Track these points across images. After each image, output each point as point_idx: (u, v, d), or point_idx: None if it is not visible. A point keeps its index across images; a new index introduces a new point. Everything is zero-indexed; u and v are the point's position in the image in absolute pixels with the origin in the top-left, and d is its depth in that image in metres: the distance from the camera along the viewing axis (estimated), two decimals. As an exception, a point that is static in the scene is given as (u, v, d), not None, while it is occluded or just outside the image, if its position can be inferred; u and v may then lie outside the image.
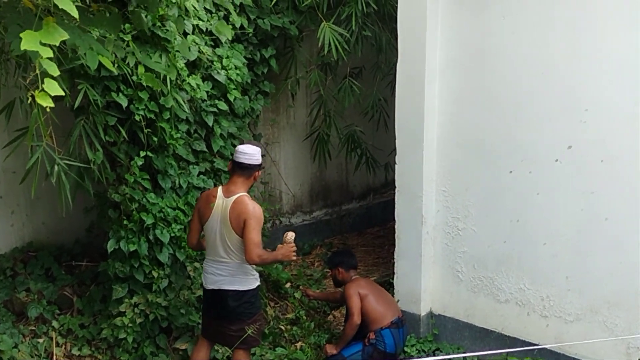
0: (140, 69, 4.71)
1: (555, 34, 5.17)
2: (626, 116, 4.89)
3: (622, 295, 5.07)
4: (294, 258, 5.02)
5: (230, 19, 6.18)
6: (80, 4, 4.20)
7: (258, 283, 5.08)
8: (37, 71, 2.57)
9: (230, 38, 5.98)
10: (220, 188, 5.01)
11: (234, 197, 4.85)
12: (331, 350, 5.84)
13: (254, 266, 5.00)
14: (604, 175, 5.07)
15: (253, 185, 5.20)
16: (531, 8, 5.27)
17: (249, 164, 4.90)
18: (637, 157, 4.87)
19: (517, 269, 5.65)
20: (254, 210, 4.79)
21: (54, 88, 2.04)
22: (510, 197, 5.61)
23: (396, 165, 6.16)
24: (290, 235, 4.99)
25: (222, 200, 4.90)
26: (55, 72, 2.08)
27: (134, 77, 5.01)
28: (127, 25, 4.92)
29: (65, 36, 2.16)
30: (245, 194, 4.90)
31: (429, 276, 6.19)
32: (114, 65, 4.79)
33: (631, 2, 4.76)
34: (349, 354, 5.78)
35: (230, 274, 4.93)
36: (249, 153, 4.90)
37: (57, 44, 2.16)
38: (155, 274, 5.57)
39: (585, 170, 5.16)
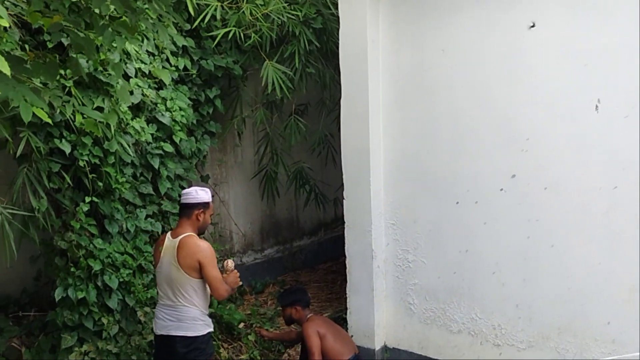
0: (78, 117, 4.67)
1: (492, 65, 5.29)
2: (565, 143, 5.00)
3: (570, 320, 5.14)
4: (240, 283, 5.10)
5: (173, 61, 6.18)
6: (18, 53, 4.18)
7: (210, 329, 5.02)
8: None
9: (168, 82, 5.96)
10: (169, 232, 5.03)
11: (180, 237, 4.85)
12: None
13: (204, 312, 4.96)
14: (547, 203, 5.16)
15: (206, 227, 5.14)
16: (468, 41, 5.38)
17: (187, 203, 4.94)
18: (578, 183, 4.98)
19: (468, 298, 5.69)
20: (205, 248, 4.81)
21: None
22: (457, 228, 5.67)
23: (344, 201, 6.19)
24: (231, 263, 5.09)
25: (169, 242, 4.91)
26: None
27: (77, 123, 4.97)
28: (68, 70, 4.90)
29: (-5, 92, 2.15)
30: (192, 233, 4.88)
31: (381, 310, 6.20)
32: (55, 113, 4.78)
33: (564, 33, 4.90)
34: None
35: (178, 319, 4.87)
36: (186, 192, 4.98)
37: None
38: (104, 321, 5.47)
39: (530, 198, 5.25)
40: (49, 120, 3.12)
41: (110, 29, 3.33)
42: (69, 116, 4.58)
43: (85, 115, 4.60)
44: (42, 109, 3.03)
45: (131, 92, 5.55)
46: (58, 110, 4.70)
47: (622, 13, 4.65)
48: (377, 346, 6.20)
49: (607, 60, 4.76)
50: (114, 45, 3.49)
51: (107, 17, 3.55)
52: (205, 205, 5.00)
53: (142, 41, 5.80)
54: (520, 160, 5.24)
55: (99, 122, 4.81)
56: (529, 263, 5.31)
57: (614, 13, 4.69)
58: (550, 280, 5.22)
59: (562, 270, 5.15)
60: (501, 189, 5.37)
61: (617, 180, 4.81)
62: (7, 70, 2.10)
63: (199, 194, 4.96)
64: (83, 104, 5.03)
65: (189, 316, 4.87)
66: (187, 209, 4.94)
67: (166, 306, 4.92)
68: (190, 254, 4.77)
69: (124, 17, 3.60)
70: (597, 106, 4.81)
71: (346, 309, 6.41)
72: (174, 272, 4.82)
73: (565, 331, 5.17)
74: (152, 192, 5.97)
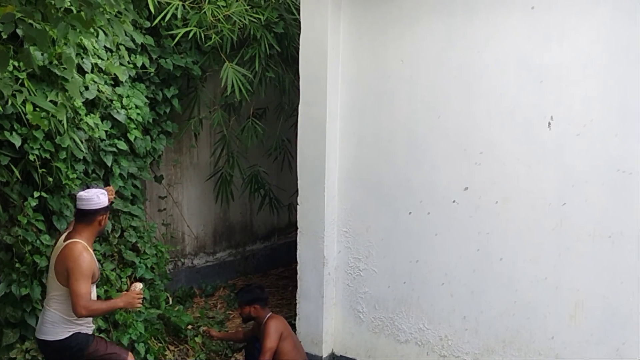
0: (29, 107, 4.57)
1: (450, 78, 5.33)
2: (517, 158, 5.06)
3: (516, 334, 5.19)
4: (139, 306, 4.80)
5: (131, 59, 6.12)
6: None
7: (76, 330, 4.74)
8: None
9: (123, 79, 5.89)
10: (65, 233, 4.80)
11: (67, 242, 4.64)
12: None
13: (69, 318, 4.70)
14: (498, 216, 5.22)
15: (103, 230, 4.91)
16: (427, 52, 5.42)
17: (89, 210, 4.67)
18: (529, 198, 5.04)
19: (417, 309, 5.72)
20: (77, 258, 4.53)
21: None
22: (409, 238, 5.69)
23: (298, 206, 6.17)
24: (139, 286, 4.83)
25: (59, 244, 4.71)
26: None
27: (28, 113, 4.88)
28: (22, 63, 4.81)
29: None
30: (78, 240, 4.63)
31: (330, 317, 6.19)
32: (7, 105, 4.69)
33: (521, 49, 4.96)
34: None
35: (42, 322, 4.75)
36: (86, 198, 4.67)
37: None
38: (48, 319, 5.38)
39: (481, 212, 5.29)
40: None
41: (64, 22, 3.28)
42: (19, 106, 4.48)
43: (36, 108, 4.49)
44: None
45: (86, 88, 5.50)
46: (10, 102, 4.62)
47: (578, 33, 4.72)
48: (325, 353, 6.19)
49: (561, 78, 4.83)
50: (68, 38, 3.43)
51: (62, 10, 3.50)
52: (107, 209, 4.78)
53: (98, 36, 5.72)
54: (473, 173, 5.29)
55: (51, 116, 4.72)
56: (477, 275, 5.35)
57: (570, 32, 4.76)
58: (497, 293, 5.27)
59: (510, 283, 5.20)
60: (454, 201, 5.41)
61: (566, 197, 4.88)
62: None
63: (101, 198, 4.70)
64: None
65: (49, 320, 4.70)
66: (89, 215, 4.68)
67: (43, 308, 4.84)
68: (64, 259, 4.56)
69: (78, 10, 3.55)
70: (549, 123, 4.88)
71: (296, 315, 6.39)
72: (50, 274, 4.70)
73: (510, 344, 5.22)
74: (104, 190, 5.89)
